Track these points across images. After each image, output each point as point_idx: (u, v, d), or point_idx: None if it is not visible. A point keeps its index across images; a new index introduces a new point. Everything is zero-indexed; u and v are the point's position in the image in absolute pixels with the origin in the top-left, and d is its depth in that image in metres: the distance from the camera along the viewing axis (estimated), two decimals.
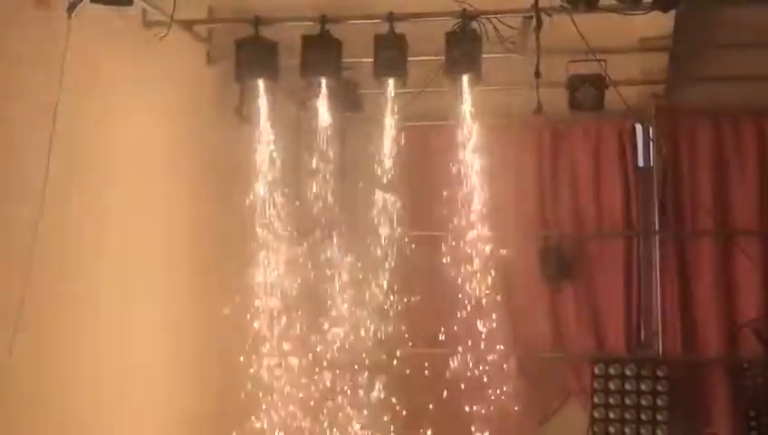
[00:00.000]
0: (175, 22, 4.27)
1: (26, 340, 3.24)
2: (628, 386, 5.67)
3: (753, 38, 4.97)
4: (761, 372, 5.48)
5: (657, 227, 5.89)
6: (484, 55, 4.26)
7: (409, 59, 4.29)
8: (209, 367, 4.70)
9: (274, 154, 4.71)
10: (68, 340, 3.67)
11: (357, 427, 4.96)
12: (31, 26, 3.45)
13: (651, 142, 5.92)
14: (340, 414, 4.93)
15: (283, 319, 4.71)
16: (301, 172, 4.96)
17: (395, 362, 5.09)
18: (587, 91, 4.78)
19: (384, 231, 4.86)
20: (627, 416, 5.66)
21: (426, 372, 5.28)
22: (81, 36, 3.57)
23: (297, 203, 4.83)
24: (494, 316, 5.01)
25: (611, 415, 5.68)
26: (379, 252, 4.89)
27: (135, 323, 4.16)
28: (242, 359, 4.59)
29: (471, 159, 4.71)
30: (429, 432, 5.40)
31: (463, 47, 4.21)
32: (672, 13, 4.37)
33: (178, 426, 4.48)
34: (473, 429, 5.07)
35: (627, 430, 5.65)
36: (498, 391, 5.10)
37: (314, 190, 4.83)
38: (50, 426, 3.51)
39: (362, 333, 4.96)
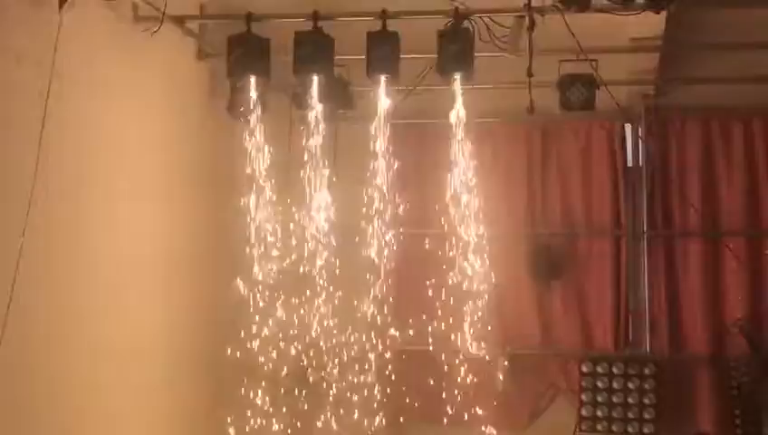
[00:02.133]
0: (166, 17, 4.27)
1: (17, 327, 3.23)
2: (615, 384, 5.70)
3: (742, 39, 5.00)
4: (747, 371, 5.52)
5: (645, 227, 5.92)
6: (477, 54, 4.26)
7: (402, 57, 4.29)
8: (205, 362, 4.70)
9: (265, 150, 4.70)
10: (60, 327, 3.65)
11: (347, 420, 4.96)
12: (22, 21, 3.43)
13: (640, 142, 5.95)
14: (330, 408, 4.93)
15: (276, 313, 4.71)
16: (292, 169, 4.94)
17: (385, 357, 5.09)
18: (578, 91, 4.79)
19: (373, 228, 4.86)
20: (614, 414, 5.69)
21: (415, 368, 5.28)
22: (72, 31, 3.56)
23: (288, 200, 4.82)
24: (483, 314, 5.02)
25: (599, 413, 5.71)
26: (369, 249, 4.88)
27: (128, 317, 4.15)
28: (235, 350, 4.59)
29: (462, 157, 4.71)
30: (418, 429, 5.41)
31: (455, 46, 4.21)
32: (663, 14, 4.40)
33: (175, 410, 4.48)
34: (460, 428, 5.08)
35: (614, 427, 5.68)
36: (487, 389, 5.10)
37: (306, 187, 4.82)
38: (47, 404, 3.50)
39: (353, 328, 4.96)
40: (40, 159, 3.37)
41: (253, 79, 4.53)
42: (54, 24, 3.47)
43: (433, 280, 5.04)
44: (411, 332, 5.30)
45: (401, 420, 5.22)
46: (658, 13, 4.26)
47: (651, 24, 4.61)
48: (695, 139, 5.92)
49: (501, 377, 5.29)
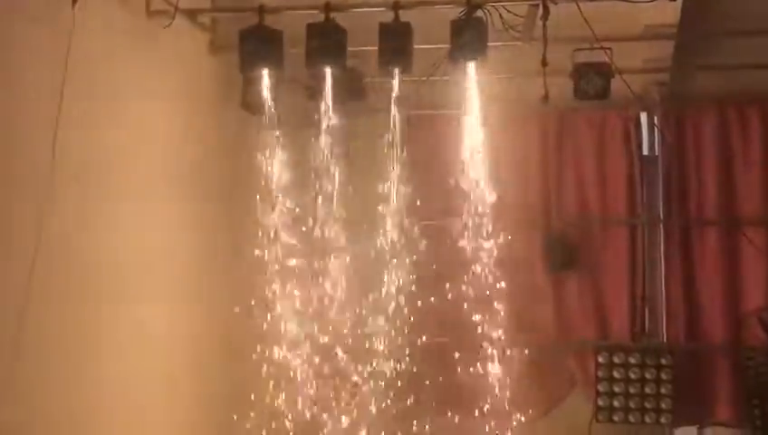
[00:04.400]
0: (179, 11, 4.27)
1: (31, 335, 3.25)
2: (632, 375, 5.67)
3: (759, 26, 4.94)
4: (765, 361, 5.48)
5: (661, 216, 5.88)
6: (490, 43, 4.24)
7: (415, 47, 4.27)
8: (212, 361, 4.71)
9: (279, 144, 4.70)
10: (72, 336, 3.67)
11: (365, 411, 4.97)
12: (35, 16, 3.44)
13: (656, 130, 5.90)
14: (347, 403, 4.93)
15: (288, 311, 4.71)
16: (305, 162, 4.94)
17: (398, 350, 5.09)
18: (592, 80, 4.76)
19: (389, 220, 4.85)
20: (631, 404, 5.66)
21: (429, 360, 5.28)
22: (85, 26, 3.56)
23: (302, 193, 4.82)
24: (498, 305, 5.01)
25: (615, 404, 5.68)
26: (383, 241, 4.88)
27: (137, 317, 4.17)
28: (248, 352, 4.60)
29: (476, 147, 4.69)
30: (434, 421, 5.41)
31: (468, 35, 4.18)
32: (678, 0, 4.36)
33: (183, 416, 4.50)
34: (477, 418, 5.07)
35: (631, 418, 5.66)
36: (502, 381, 5.10)
37: (319, 180, 4.82)
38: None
39: (368, 321, 4.96)
40: (55, 156, 3.38)
41: (265, 72, 4.52)
42: (67, 20, 3.48)
43: (447, 271, 5.03)
44: (427, 324, 5.30)
45: (416, 411, 5.22)
46: (673, 0, 4.23)
47: (666, 11, 4.57)
48: (711, 127, 5.86)
49: (516, 368, 5.27)
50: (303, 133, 4.90)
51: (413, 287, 5.00)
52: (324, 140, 4.74)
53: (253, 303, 4.62)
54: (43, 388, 3.43)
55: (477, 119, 4.58)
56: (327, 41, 4.29)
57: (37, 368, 3.37)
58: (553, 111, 5.82)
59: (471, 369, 5.04)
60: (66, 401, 3.58)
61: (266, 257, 4.65)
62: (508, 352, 5.11)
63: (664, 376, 5.62)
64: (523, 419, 5.42)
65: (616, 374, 5.69)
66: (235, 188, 4.79)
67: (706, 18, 5.00)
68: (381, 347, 4.93)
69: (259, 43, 4.35)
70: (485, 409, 5.03)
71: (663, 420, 5.61)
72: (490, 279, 4.97)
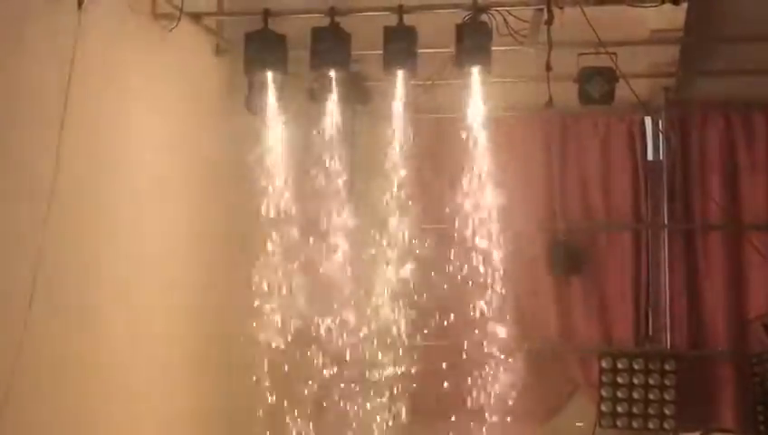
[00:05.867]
0: (184, 14, 4.29)
1: (34, 338, 3.26)
2: (635, 380, 5.66)
3: (764, 32, 4.94)
4: None
5: (666, 221, 5.87)
6: (495, 48, 4.24)
7: (419, 51, 4.28)
8: (215, 365, 4.72)
9: (283, 146, 4.71)
10: (75, 337, 3.67)
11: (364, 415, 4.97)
12: (41, 18, 3.46)
13: (661, 135, 5.89)
14: (348, 404, 4.94)
15: (290, 313, 4.72)
16: (309, 164, 4.95)
17: (402, 353, 5.09)
18: (597, 85, 4.75)
19: (393, 224, 4.85)
20: (634, 410, 5.65)
21: (433, 363, 5.28)
22: (91, 28, 3.58)
23: (306, 195, 4.83)
24: (502, 309, 5.01)
25: (619, 409, 5.67)
26: (387, 245, 4.89)
27: (142, 317, 4.17)
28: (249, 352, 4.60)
29: (480, 151, 4.69)
30: (437, 424, 5.41)
31: (473, 39, 4.19)
32: (683, 5, 4.36)
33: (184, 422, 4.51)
34: (480, 422, 5.07)
35: (634, 423, 5.64)
36: (506, 385, 5.09)
37: (323, 183, 4.83)
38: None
39: (371, 324, 4.96)
40: (59, 157, 3.39)
41: (270, 74, 4.54)
42: (73, 21, 3.49)
43: (451, 275, 5.03)
44: (431, 326, 5.31)
45: (420, 414, 5.22)
46: (678, 4, 4.23)
47: (671, 15, 4.57)
48: (716, 131, 5.84)
49: (519, 373, 5.26)
50: (307, 135, 4.91)
51: (415, 291, 5.01)
52: (328, 143, 4.75)
53: (254, 304, 4.62)
54: (45, 389, 3.43)
55: (482, 123, 4.58)
56: (331, 44, 4.30)
57: (39, 369, 3.38)
58: (558, 116, 5.82)
59: (474, 373, 5.03)
60: (67, 402, 3.59)
61: (269, 259, 4.66)
62: (511, 357, 5.10)
63: (667, 382, 5.60)
64: (525, 423, 5.43)
65: (619, 380, 5.67)
66: (239, 188, 4.79)
67: (712, 23, 4.99)
68: (382, 350, 4.93)
69: (264, 46, 4.37)
70: (488, 413, 5.02)
71: (666, 425, 5.59)
72: (494, 283, 4.97)
